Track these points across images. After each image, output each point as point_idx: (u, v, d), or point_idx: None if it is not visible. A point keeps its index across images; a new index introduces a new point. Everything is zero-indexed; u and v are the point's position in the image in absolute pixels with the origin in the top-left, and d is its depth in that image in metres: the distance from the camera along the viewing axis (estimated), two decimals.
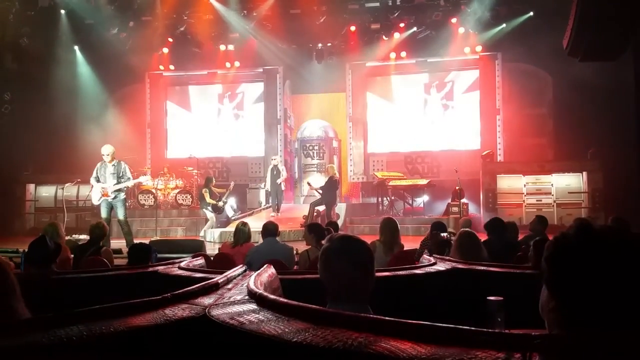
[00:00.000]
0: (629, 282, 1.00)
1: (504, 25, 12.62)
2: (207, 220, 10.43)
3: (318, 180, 12.72)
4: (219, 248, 6.37)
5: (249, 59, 14.22)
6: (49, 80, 12.55)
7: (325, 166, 13.64)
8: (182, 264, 3.33)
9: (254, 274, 1.95)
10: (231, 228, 8.60)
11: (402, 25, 13.14)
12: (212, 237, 9.91)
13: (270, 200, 12.12)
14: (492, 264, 3.35)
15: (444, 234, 4.78)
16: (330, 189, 10.48)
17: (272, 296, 1.48)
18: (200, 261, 3.78)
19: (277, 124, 14.65)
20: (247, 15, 13.09)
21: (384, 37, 13.41)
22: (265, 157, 14.24)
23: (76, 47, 13.58)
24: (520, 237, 5.85)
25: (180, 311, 1.44)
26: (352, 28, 13.37)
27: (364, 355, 1.02)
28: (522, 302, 1.80)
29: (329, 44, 13.94)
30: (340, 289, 1.67)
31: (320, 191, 10.62)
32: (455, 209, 11.39)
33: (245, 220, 7.54)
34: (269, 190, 11.92)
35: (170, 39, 13.77)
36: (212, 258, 4.83)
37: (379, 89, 14.68)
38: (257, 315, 1.34)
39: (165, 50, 14.14)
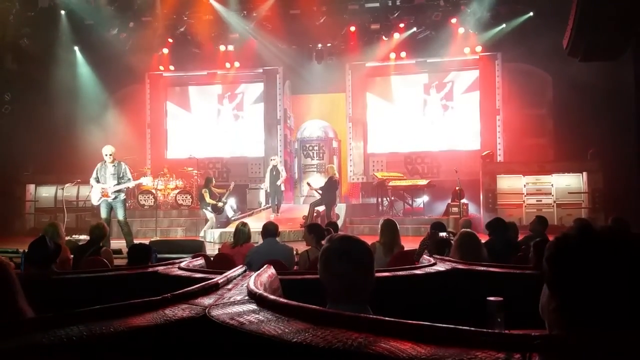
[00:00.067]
0: (630, 282, 1.00)
1: (503, 25, 12.62)
2: (207, 220, 10.44)
3: (318, 180, 12.72)
4: (218, 248, 6.37)
5: (248, 60, 14.22)
6: (49, 81, 12.55)
7: (325, 166, 13.64)
8: (182, 265, 3.33)
9: (254, 275, 1.95)
10: (231, 228, 8.60)
11: (402, 25, 13.14)
12: (212, 238, 9.91)
13: (270, 201, 12.13)
14: (492, 264, 3.34)
15: (443, 234, 4.78)
16: (330, 190, 10.48)
17: (272, 296, 1.48)
18: (200, 261, 3.77)
19: (277, 125, 14.65)
20: (247, 16, 13.09)
21: (383, 37, 13.41)
22: (265, 158, 14.23)
23: (76, 48, 13.58)
24: (520, 237, 5.85)
25: (180, 311, 1.44)
26: (352, 28, 13.38)
27: (364, 355, 1.02)
28: (522, 303, 1.80)
29: (328, 45, 13.94)
30: (340, 289, 1.67)
31: (320, 191, 10.62)
32: (455, 209, 11.39)
33: (245, 220, 7.54)
34: (268, 190, 11.93)
35: (170, 40, 13.77)
36: (212, 258, 4.83)
37: (379, 89, 14.68)
38: (257, 316, 1.34)
39: (165, 50, 14.15)
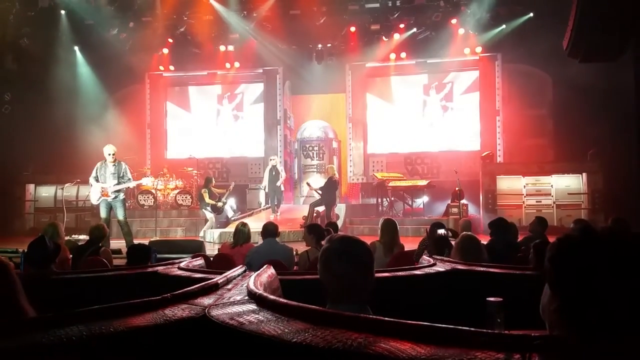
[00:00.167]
0: (631, 283, 1.00)
1: (503, 26, 12.63)
2: (206, 220, 10.43)
3: (318, 180, 12.71)
4: (218, 248, 6.37)
5: (248, 60, 14.23)
6: (49, 81, 12.54)
7: (325, 167, 13.64)
8: (181, 265, 3.33)
9: (254, 275, 1.95)
10: (231, 228, 8.60)
11: (402, 26, 13.15)
12: (212, 238, 9.91)
13: (269, 201, 12.13)
14: (492, 265, 3.35)
15: (441, 231, 4.78)
16: (330, 190, 10.48)
17: (271, 296, 1.48)
18: (199, 261, 3.78)
19: (277, 125, 14.65)
20: (247, 16, 13.09)
21: (383, 38, 13.41)
22: (265, 158, 14.22)
23: (76, 48, 13.58)
24: (520, 238, 5.84)
25: (180, 311, 1.44)
26: (352, 29, 13.38)
27: (364, 355, 1.02)
28: (521, 303, 1.80)
29: (328, 45, 13.94)
30: (340, 289, 1.67)
31: (320, 192, 10.62)
32: (455, 209, 11.38)
33: (244, 220, 7.53)
34: (266, 190, 11.93)
35: (170, 40, 13.77)
36: (211, 258, 4.83)
37: (379, 89, 14.69)
38: (257, 316, 1.34)
39: (165, 50, 14.15)
